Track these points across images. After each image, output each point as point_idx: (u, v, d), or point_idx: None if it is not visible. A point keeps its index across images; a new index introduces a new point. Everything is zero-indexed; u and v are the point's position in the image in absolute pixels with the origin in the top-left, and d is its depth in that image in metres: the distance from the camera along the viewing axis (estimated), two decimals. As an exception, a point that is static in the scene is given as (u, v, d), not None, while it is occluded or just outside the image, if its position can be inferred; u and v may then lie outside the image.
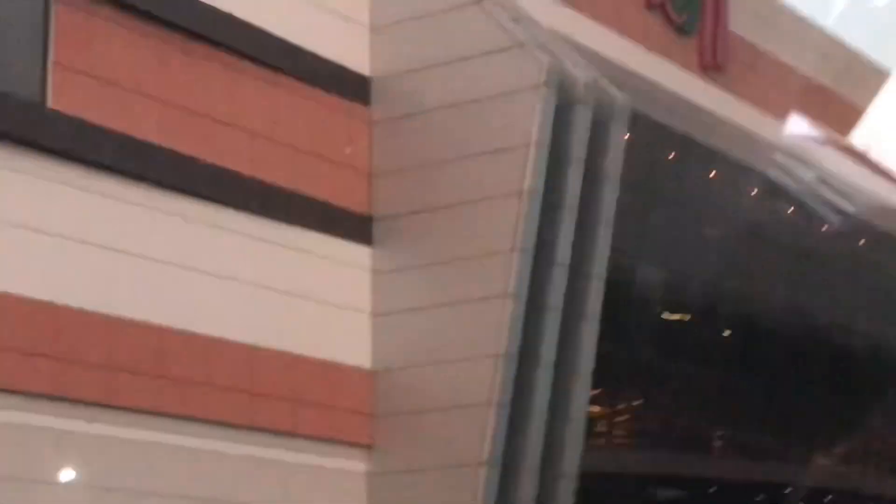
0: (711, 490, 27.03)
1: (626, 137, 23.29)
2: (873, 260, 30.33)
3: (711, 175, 27.57)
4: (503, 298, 21.67)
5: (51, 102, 19.06)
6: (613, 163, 23.00)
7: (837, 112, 34.69)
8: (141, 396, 19.52)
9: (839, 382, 29.35)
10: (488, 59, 22.68)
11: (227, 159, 21.28)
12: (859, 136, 34.55)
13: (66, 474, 18.52)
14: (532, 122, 21.87)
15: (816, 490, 29.74)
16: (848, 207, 29.48)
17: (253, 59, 21.84)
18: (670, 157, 26.58)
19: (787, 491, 28.17)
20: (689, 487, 27.75)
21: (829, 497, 29.51)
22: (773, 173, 28.35)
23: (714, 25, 30.64)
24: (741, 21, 31.55)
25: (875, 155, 34.29)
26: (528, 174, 21.80)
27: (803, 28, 34.26)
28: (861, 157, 34.01)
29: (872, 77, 36.33)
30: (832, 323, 29.29)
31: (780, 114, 32.41)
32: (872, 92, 35.88)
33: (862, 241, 30.14)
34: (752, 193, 27.53)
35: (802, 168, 29.70)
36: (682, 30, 30.02)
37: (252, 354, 21.29)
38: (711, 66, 30.67)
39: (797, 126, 31.98)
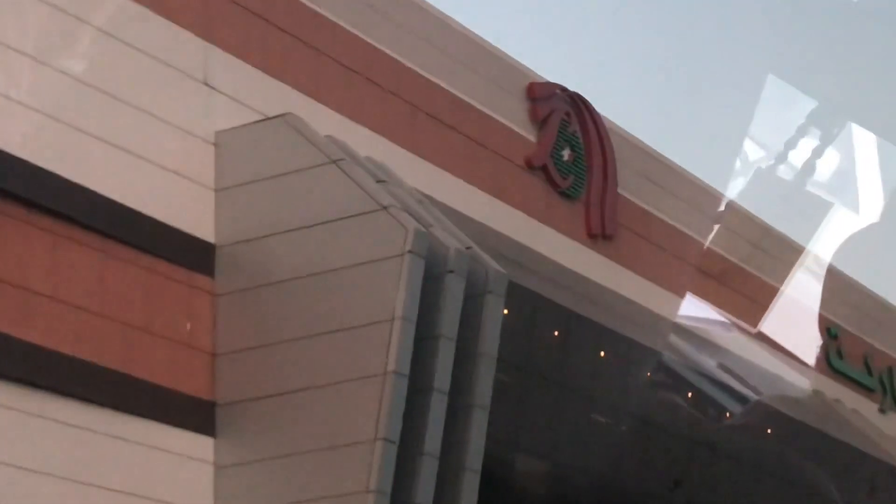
0: None
1: (505, 312, 22.61)
2: (780, 450, 30.29)
3: (601, 355, 27.19)
4: (365, 494, 20.62)
5: None
6: (490, 341, 22.02)
7: (744, 289, 34.72)
8: None
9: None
10: (348, 223, 21.77)
11: (46, 337, 19.94)
12: (769, 320, 34.86)
13: None
14: (397, 295, 20.97)
15: None
16: (753, 395, 29.81)
17: (79, 224, 20.95)
18: (555, 334, 25.97)
19: None
20: None
21: None
22: (670, 355, 28.57)
23: (602, 190, 30.32)
24: (633, 184, 31.33)
25: (783, 341, 34.62)
26: (393, 354, 20.77)
27: (706, 196, 34.41)
28: (769, 341, 34.22)
29: (787, 253, 36.65)
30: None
31: (678, 289, 32.41)
32: (787, 268, 36.19)
33: (769, 430, 30.04)
34: (646, 376, 27.60)
35: (702, 350, 30.02)
36: (565, 193, 29.56)
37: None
38: (599, 234, 30.17)
39: (696, 305, 32.11)
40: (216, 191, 22.93)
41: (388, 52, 26.35)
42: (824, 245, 35.33)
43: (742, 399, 29.34)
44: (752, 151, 33.74)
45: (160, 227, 22.00)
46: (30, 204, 20.19)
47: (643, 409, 27.51)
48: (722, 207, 34.89)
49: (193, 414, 22.07)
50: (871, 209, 34.74)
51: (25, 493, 19.47)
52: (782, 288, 35.34)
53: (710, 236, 34.03)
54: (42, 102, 20.59)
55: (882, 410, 37.54)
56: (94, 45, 21.59)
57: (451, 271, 21.65)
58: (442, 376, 21.43)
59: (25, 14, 20.64)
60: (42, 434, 19.90)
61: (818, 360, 35.54)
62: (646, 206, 31.57)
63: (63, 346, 20.27)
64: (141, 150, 21.90)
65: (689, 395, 28.85)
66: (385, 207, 21.74)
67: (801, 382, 32.30)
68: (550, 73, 30.21)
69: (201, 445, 21.98)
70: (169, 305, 22.18)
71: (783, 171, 33.20)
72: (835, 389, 35.27)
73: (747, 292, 34.58)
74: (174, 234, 22.25)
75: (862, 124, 34.83)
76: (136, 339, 21.40)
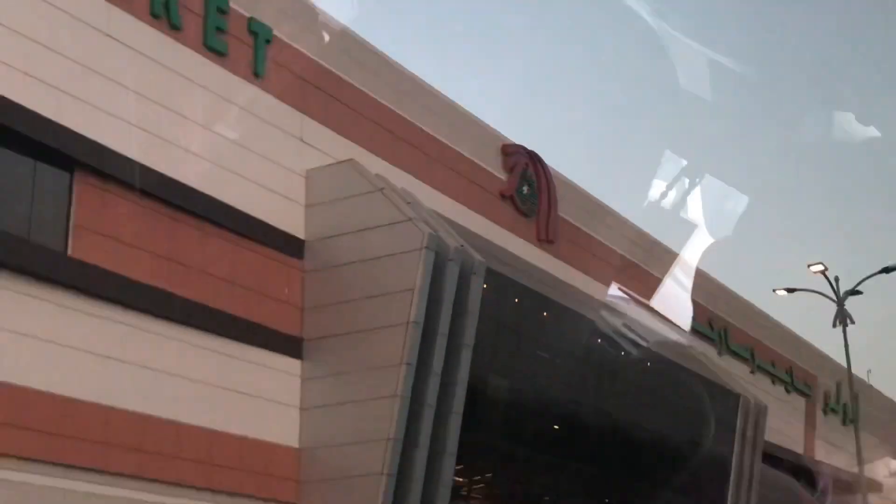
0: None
1: (483, 287, 23.06)
2: (656, 376, 30.54)
3: (545, 316, 27.55)
4: (393, 398, 21.28)
5: (70, 252, 18.79)
6: (473, 304, 22.70)
7: (640, 278, 34.96)
8: (129, 464, 18.90)
9: (631, 460, 29.36)
10: (387, 229, 22.49)
11: (199, 296, 20.73)
12: (655, 298, 34.97)
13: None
14: (416, 274, 21.68)
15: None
16: (642, 342, 29.95)
17: (220, 226, 21.55)
18: (516, 301, 26.33)
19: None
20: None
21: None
22: (593, 317, 28.69)
23: (548, 212, 30.82)
24: (567, 209, 31.92)
25: (661, 309, 34.66)
26: (413, 310, 21.51)
27: (616, 219, 34.86)
28: (653, 311, 34.36)
29: (666, 256, 36.75)
30: (629, 420, 29.31)
31: (597, 276, 32.80)
32: (666, 266, 36.33)
33: (649, 364, 30.38)
34: (577, 331, 27.63)
35: (613, 316, 30.08)
36: (524, 214, 30.13)
37: (212, 435, 20.61)
38: (545, 240, 30.77)
39: (611, 290, 32.41)
40: (306, 206, 23.49)
41: (414, 122, 26.77)
42: (691, 252, 35.31)
43: (636, 345, 29.31)
44: (651, 190, 33.82)
45: (271, 229, 22.64)
46: (189, 212, 20.90)
47: (575, 351, 27.67)
48: (626, 226, 35.39)
49: (289, 345, 22.72)
50: (720, 229, 34.90)
51: (185, 391, 20.32)
52: (663, 279, 35.55)
53: (618, 244, 34.38)
54: (207, 152, 21.30)
55: (719, 353, 37.96)
56: (238, 119, 22.18)
57: (451, 260, 22.37)
58: (443, 328, 22.15)
59: (197, 96, 21.29)
60: (194, 356, 20.70)
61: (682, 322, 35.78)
62: (575, 223, 32.22)
63: (210, 301, 21.06)
64: (264, 181, 22.50)
65: (604, 342, 28.83)
66: (410, 219, 22.42)
67: (671, 335, 32.47)
68: (517, 134, 30.55)
69: (293, 365, 22.71)
70: (276, 278, 22.78)
71: (666, 203, 33.28)
72: (690, 340, 35.54)
73: (642, 281, 34.83)
74: (280, 233, 22.90)
75: (715, 175, 35.13)
76: (257, 298, 22.10)
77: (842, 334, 28.73)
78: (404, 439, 21.40)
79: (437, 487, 21.99)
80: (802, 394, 44.23)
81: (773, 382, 42.25)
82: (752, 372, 40.64)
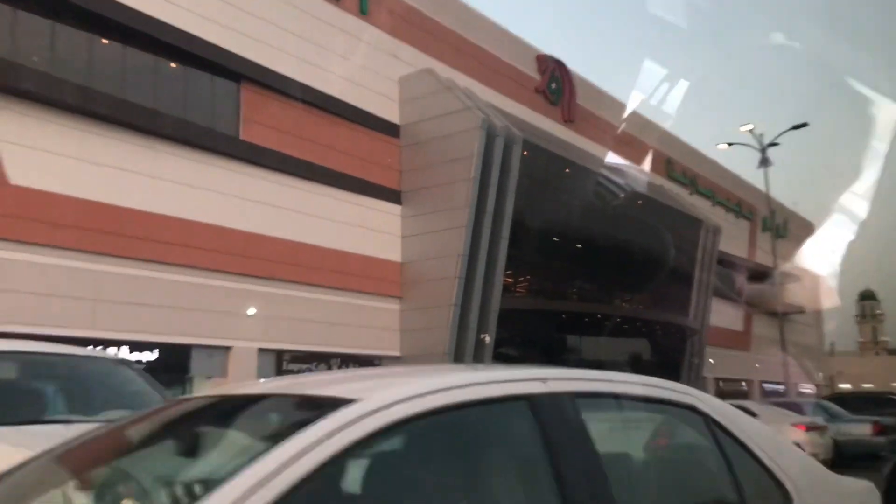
0: (564, 317, 26.65)
1: (524, 153, 22.38)
2: (645, 210, 29.58)
3: (566, 172, 26.68)
4: (460, 228, 20.98)
5: (242, 136, 18.58)
6: (514, 165, 21.98)
7: (634, 145, 33.51)
8: (284, 272, 18.94)
9: (629, 265, 28.89)
10: (454, 115, 21.77)
11: (330, 163, 20.41)
12: (645, 158, 33.56)
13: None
14: (474, 146, 21.10)
15: (616, 316, 29.56)
16: (635, 189, 29.07)
17: (343, 117, 21.03)
18: (547, 161, 25.33)
19: (600, 317, 27.80)
20: (557, 317, 27.27)
21: (620, 321, 29.10)
22: (599, 171, 27.84)
23: (570, 100, 29.68)
24: (584, 98, 30.55)
25: (648, 166, 33.22)
26: (473, 169, 21.02)
27: (615, 103, 33.38)
28: (643, 167, 33.06)
29: (653, 129, 35.00)
30: (626, 238, 28.68)
31: (605, 145, 31.48)
32: (652, 135, 34.84)
33: (639, 202, 29.52)
34: (588, 181, 26.83)
35: (614, 172, 29.13)
36: (552, 103, 28.94)
37: (344, 254, 20.62)
38: (568, 120, 29.62)
39: (612, 157, 31.16)
40: (399, 102, 22.63)
41: (473, 41, 25.46)
42: (670, 125, 34.08)
43: (630, 191, 28.40)
44: (643, 82, 32.18)
45: (380, 119, 21.96)
46: (329, 111, 20.42)
47: (587, 196, 26.78)
48: (627, 109, 33.87)
49: (392, 195, 22.31)
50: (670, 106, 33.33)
51: (320, 227, 20.08)
52: (651, 144, 34.18)
53: (621, 122, 32.89)
54: (332, 67, 20.29)
55: (690, 194, 36.80)
56: (352, 45, 20.90)
57: (498, 136, 21.63)
58: (493, 182, 21.36)
59: (323, 28, 20.76)
60: (327, 204, 20.40)
61: (662, 171, 34.66)
62: (590, 108, 30.80)
63: (341, 168, 20.61)
64: (372, 86, 21.52)
65: (608, 189, 27.98)
66: (469, 108, 21.70)
67: (654, 183, 31.49)
68: (547, 45, 29.23)
69: (395, 209, 22.37)
70: (381, 152, 22.13)
71: (653, 99, 31.65)
72: (668, 184, 34.55)
73: (636, 148, 33.31)
74: (385, 122, 22.15)
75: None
76: (370, 165, 21.52)
77: (764, 175, 26.77)
78: (469, 255, 21.21)
79: (492, 287, 21.86)
80: (747, 219, 42.87)
81: (727, 212, 40.92)
82: (712, 205, 39.30)
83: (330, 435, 1.54)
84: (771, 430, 2.51)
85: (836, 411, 13.76)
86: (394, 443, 1.80)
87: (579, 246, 28.12)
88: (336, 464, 1.56)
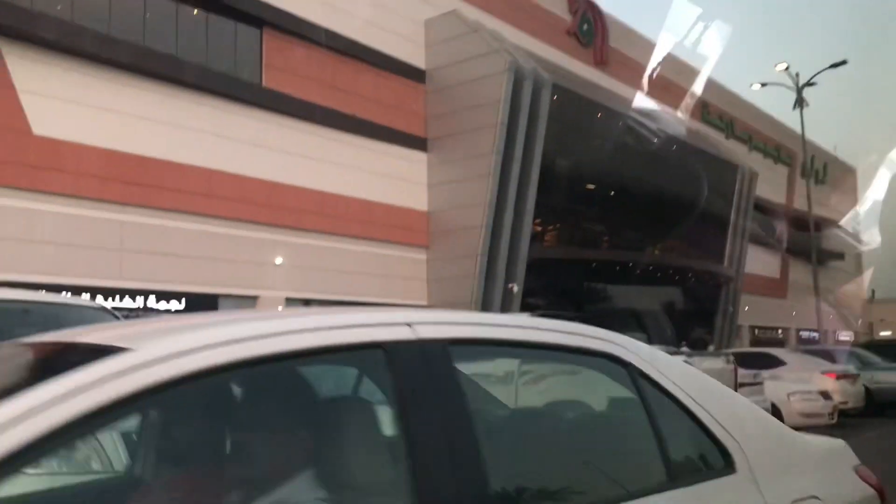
0: (594, 266, 26.20)
1: (553, 98, 21.76)
2: (676, 155, 28.75)
3: (598, 116, 26.04)
4: (486, 176, 20.65)
5: (264, 83, 18.31)
6: (543, 109, 21.45)
7: (670, 89, 32.37)
8: (310, 221, 18.86)
9: (662, 212, 28.10)
10: (481, 58, 21.22)
11: (354, 110, 20.01)
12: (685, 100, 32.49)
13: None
14: (501, 89, 20.60)
15: (649, 264, 28.99)
16: (670, 132, 28.25)
17: (368, 62, 20.75)
18: (577, 105, 24.51)
19: (632, 265, 27.27)
20: (587, 265, 26.76)
21: (652, 268, 28.47)
22: (631, 115, 27.06)
23: (602, 42, 28.86)
24: (615, 39, 29.63)
25: (682, 109, 32.23)
26: (500, 115, 20.57)
27: (649, 45, 32.26)
28: (677, 110, 32.03)
29: (688, 71, 34.02)
30: (658, 185, 28.01)
31: (637, 87, 30.51)
32: (689, 78, 33.72)
33: (674, 147, 28.70)
34: (620, 126, 26.04)
35: (647, 116, 28.24)
36: (584, 45, 28.14)
37: (368, 203, 20.34)
38: (600, 62, 28.83)
39: (645, 100, 30.12)
40: (426, 46, 22.18)
41: None
42: (706, 69, 32.77)
43: (663, 135, 27.64)
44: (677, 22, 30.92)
45: (405, 64, 21.58)
46: (353, 56, 20.12)
47: (617, 141, 26.08)
48: (661, 52, 32.73)
49: (418, 143, 21.98)
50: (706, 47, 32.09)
51: (346, 175, 19.90)
52: (690, 89, 33.05)
53: (653, 65, 31.74)
54: (357, 11, 19.92)
55: (726, 138, 35.72)
56: None
57: (526, 79, 21.06)
58: (521, 127, 20.92)
59: None
60: (351, 152, 20.09)
61: (697, 115, 33.69)
62: (621, 49, 29.87)
63: (364, 115, 20.30)
64: (398, 30, 21.08)
65: (638, 133, 27.19)
66: (496, 51, 21.19)
67: (689, 127, 30.56)
68: None
69: (421, 157, 22.05)
70: (407, 97, 21.73)
71: (687, 41, 30.37)
72: (704, 129, 33.66)
73: (670, 91, 32.20)
74: (409, 66, 21.75)
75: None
76: (395, 111, 21.19)
77: (800, 116, 25.49)
78: (496, 203, 20.90)
79: (520, 235, 21.57)
80: (786, 164, 41.70)
81: (765, 157, 39.80)
82: (749, 150, 38.24)
83: (78, 391, 1.23)
84: (717, 384, 2.12)
85: (871, 359, 13.43)
86: (172, 402, 1.44)
87: (612, 192, 27.50)
88: (84, 425, 1.25)
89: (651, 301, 27.79)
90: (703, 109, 34.78)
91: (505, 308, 21.18)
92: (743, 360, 10.03)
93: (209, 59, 17.15)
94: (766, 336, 37.62)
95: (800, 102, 23.89)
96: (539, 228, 24.12)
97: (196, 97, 16.60)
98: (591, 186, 25.86)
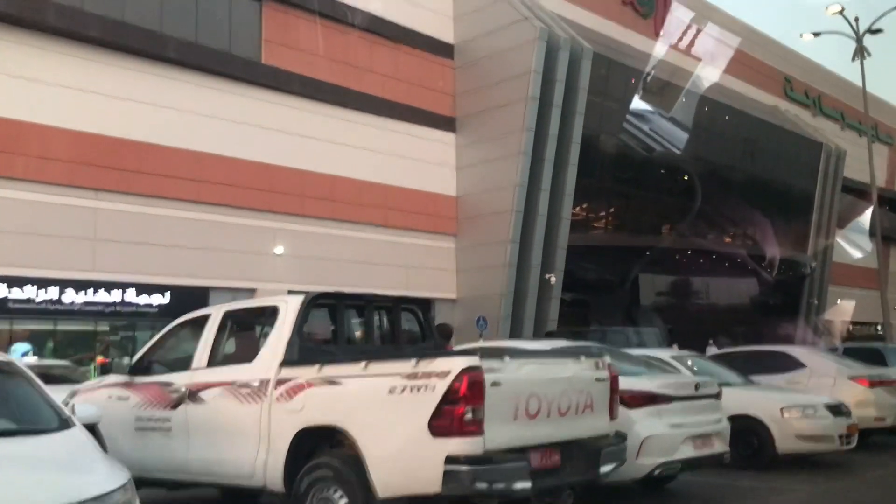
0: (649, 254, 23.36)
1: (602, 73, 19.63)
2: (750, 134, 25.48)
3: (655, 91, 23.29)
4: (517, 155, 18.57)
5: (263, 60, 16.71)
6: (583, 81, 19.18)
7: (744, 61, 29.03)
8: (316, 208, 17.17)
9: (733, 195, 24.82)
10: (510, 28, 19.15)
11: (371, 89, 18.36)
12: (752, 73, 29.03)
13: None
14: (531, 60, 18.51)
15: (715, 253, 25.87)
16: (740, 109, 25.07)
17: (385, 37, 19.03)
18: (627, 75, 21.72)
19: (692, 253, 24.29)
20: (640, 254, 23.89)
21: (718, 258, 25.38)
22: (696, 92, 24.05)
23: (664, 12, 25.90)
24: (679, 8, 26.48)
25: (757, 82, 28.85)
26: (530, 87, 18.48)
27: (721, 15, 29.13)
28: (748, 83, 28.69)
29: (764, 41, 30.82)
30: (725, 165, 25.14)
31: (705, 60, 27.56)
32: (766, 49, 30.33)
33: (745, 124, 25.48)
34: (673, 96, 23.24)
35: (714, 90, 25.05)
36: (643, 15, 25.26)
37: (388, 188, 18.58)
38: (661, 34, 25.46)
39: (710, 69, 26.88)
40: (454, 17, 20.28)
41: None
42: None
43: (731, 110, 24.48)
44: None
45: (432, 40, 19.78)
46: (366, 30, 18.40)
47: (677, 116, 23.33)
48: (728, 19, 29.41)
49: (446, 123, 20.04)
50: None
51: (369, 160, 18.23)
52: (761, 59, 29.64)
53: (724, 36, 28.44)
54: None
55: (813, 115, 31.99)
56: None
57: (561, 49, 18.82)
58: (557, 100, 18.77)
59: None
60: (374, 133, 18.43)
61: (778, 91, 30.20)
62: (682, 18, 26.75)
63: (382, 94, 18.63)
64: (422, 2, 19.84)
65: (704, 110, 24.11)
66: (527, 18, 19.07)
67: (772, 102, 27.34)
68: None
69: (449, 137, 20.09)
70: (434, 75, 19.81)
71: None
72: (786, 105, 30.25)
73: (746, 65, 28.99)
74: (437, 42, 19.89)
75: None
76: (420, 90, 19.33)
77: (861, 69, 21.11)
78: (528, 185, 18.76)
79: (559, 220, 19.32)
80: (885, 143, 37.34)
81: (860, 136, 35.65)
82: (842, 129, 34.29)
83: None
84: None
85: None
86: None
87: (671, 174, 24.60)
88: None
89: (718, 294, 24.92)
90: (786, 84, 31.27)
91: (542, 301, 19.05)
92: (744, 362, 7.66)
93: (199, 33, 15.74)
94: (862, 332, 33.60)
95: (860, 52, 20.28)
96: (584, 214, 21.66)
97: (182, 75, 15.25)
98: (647, 168, 23.04)
